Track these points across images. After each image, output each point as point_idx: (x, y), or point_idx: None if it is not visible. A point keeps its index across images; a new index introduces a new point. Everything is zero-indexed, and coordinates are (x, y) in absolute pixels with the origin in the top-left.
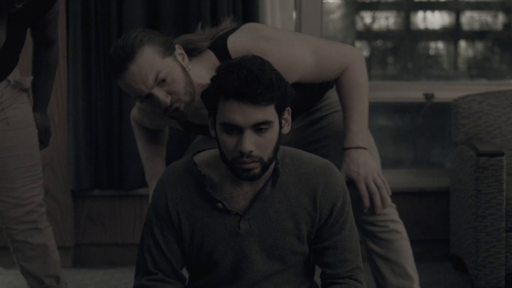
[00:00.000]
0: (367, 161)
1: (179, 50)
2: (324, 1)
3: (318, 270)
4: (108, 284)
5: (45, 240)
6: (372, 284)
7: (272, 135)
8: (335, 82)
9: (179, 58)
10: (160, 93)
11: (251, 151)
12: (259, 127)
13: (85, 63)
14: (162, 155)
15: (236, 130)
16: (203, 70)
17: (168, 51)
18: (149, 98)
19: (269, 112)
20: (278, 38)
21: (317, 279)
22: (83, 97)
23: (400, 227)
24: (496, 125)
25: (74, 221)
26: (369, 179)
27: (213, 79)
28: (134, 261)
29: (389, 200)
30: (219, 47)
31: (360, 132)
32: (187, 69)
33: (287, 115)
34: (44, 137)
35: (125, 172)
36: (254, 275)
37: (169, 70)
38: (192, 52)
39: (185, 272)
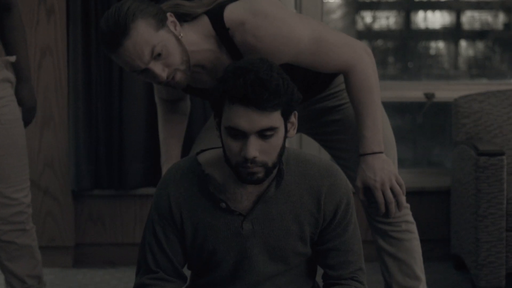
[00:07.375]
0: (383, 167)
1: (171, 18)
2: (324, 1)
3: (319, 271)
4: (108, 284)
5: (30, 241)
6: (380, 284)
7: (277, 140)
8: (344, 83)
9: (171, 27)
10: (157, 68)
11: (255, 157)
12: (264, 133)
13: (85, 63)
14: (179, 138)
15: (241, 135)
16: (195, 36)
17: (161, 22)
18: (145, 72)
19: (274, 118)
20: (278, 16)
21: (319, 279)
22: (83, 97)
23: (413, 227)
24: (497, 125)
25: (75, 221)
26: (386, 186)
27: (219, 81)
28: (134, 261)
29: (404, 202)
30: (215, 14)
31: (375, 137)
32: (180, 37)
33: (293, 119)
34: (28, 117)
35: (125, 172)
36: (256, 276)
37: (164, 43)
38: (184, 17)
39: (186, 271)
